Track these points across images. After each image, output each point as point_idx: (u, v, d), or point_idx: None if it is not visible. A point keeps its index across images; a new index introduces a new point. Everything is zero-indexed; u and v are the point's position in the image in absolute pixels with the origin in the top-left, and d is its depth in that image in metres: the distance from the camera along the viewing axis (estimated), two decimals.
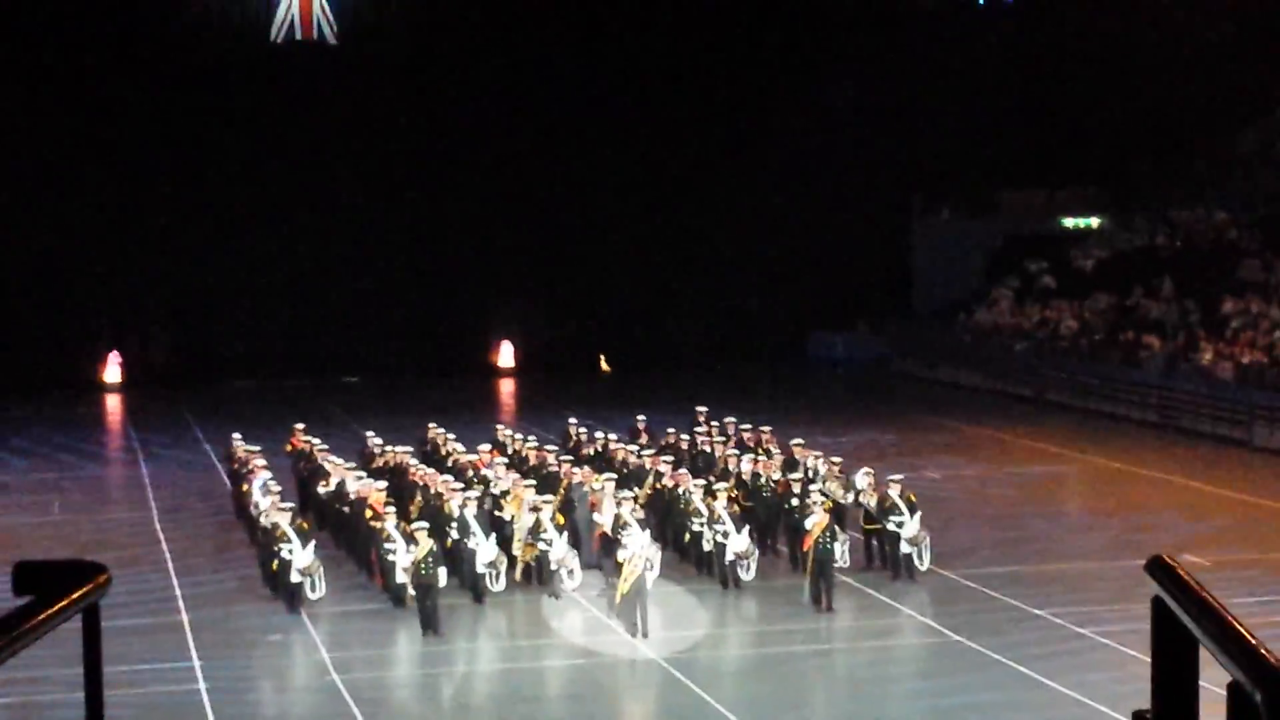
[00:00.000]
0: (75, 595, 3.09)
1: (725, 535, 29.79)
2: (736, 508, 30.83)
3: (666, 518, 32.09)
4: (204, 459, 46.24)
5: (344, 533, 32.67)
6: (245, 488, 34.35)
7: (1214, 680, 2.72)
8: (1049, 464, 43.86)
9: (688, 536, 31.20)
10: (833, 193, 66.68)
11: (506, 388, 64.87)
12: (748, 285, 67.65)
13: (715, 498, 30.73)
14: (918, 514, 30.42)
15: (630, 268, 67.26)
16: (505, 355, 67.42)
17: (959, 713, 23.68)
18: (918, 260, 71.26)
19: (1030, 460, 44.22)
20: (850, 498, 32.09)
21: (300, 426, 38.93)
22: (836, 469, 33.07)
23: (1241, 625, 2.55)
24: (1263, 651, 2.42)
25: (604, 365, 67.86)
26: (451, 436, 37.75)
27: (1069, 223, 70.56)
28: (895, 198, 69.19)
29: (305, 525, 30.08)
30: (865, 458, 37.37)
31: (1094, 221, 70.12)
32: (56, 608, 3.03)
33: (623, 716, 23.81)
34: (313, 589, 28.58)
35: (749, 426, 37.96)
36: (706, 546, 30.49)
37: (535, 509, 29.95)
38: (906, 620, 27.89)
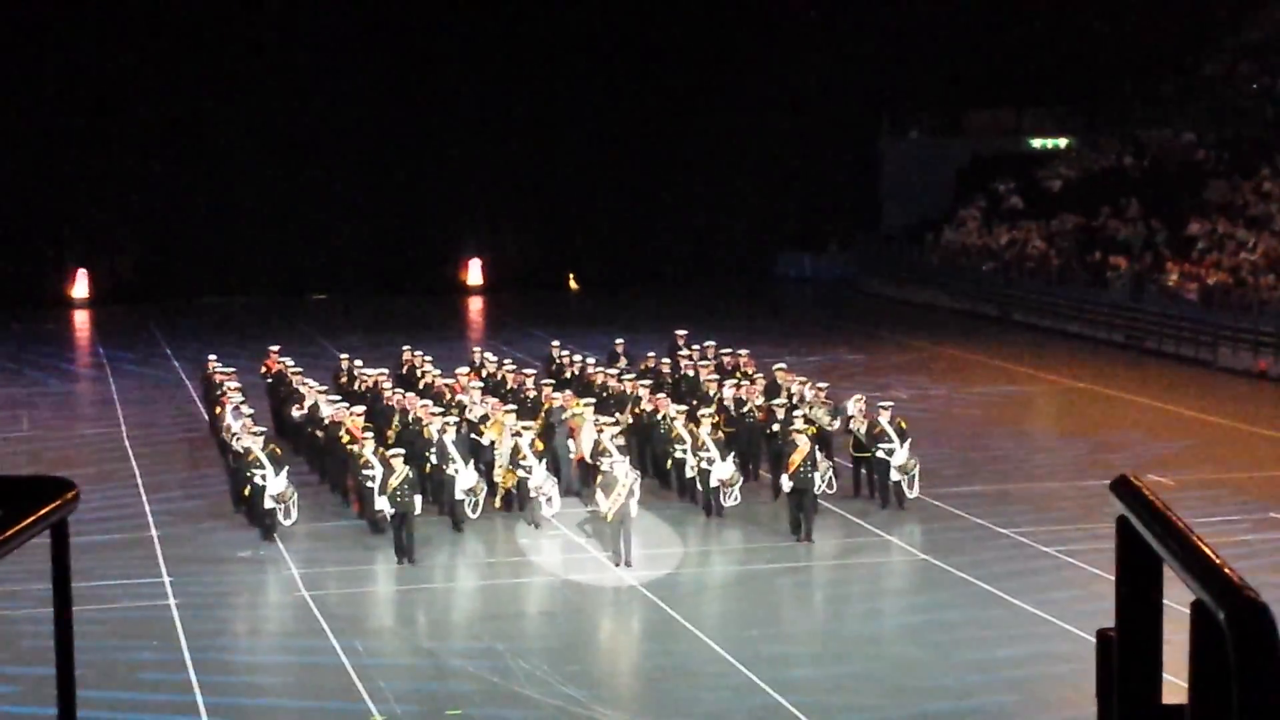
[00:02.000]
0: (43, 511, 3.07)
1: (710, 462, 29.13)
2: (721, 434, 29.98)
3: (647, 444, 31.47)
4: (173, 375, 46.15)
5: (319, 457, 32.02)
6: (218, 410, 33.64)
7: (1177, 599, 2.80)
8: (1015, 384, 44.01)
9: (669, 463, 30.59)
10: (801, 113, 66.55)
11: (475, 305, 64.78)
12: (716, 205, 67.54)
13: (698, 424, 29.96)
14: (908, 441, 29.74)
15: (600, 187, 67.13)
16: (474, 273, 67.29)
17: (924, 630, 23.85)
18: (885, 181, 71.20)
19: (996, 380, 44.37)
20: (837, 424, 31.40)
21: (275, 348, 38.43)
22: (823, 394, 32.36)
23: (1205, 545, 2.60)
24: (1226, 570, 2.46)
25: (573, 284, 67.80)
26: (428, 359, 37.19)
27: (1036, 143, 70.56)
28: (863, 118, 69.04)
29: (279, 451, 29.25)
30: (832, 378, 37.42)
31: (1061, 142, 70.11)
32: (23, 524, 3.00)
33: (602, 642, 23.79)
34: (286, 515, 28.00)
35: (728, 350, 37.42)
36: (689, 473, 29.84)
37: (515, 434, 29.31)
38: (876, 540, 27.99)
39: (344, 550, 27.53)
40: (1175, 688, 2.81)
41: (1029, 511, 29.54)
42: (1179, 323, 48.90)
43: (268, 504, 27.88)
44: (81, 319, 61.33)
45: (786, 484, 27.79)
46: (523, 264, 66.29)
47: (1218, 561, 2.54)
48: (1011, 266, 59.26)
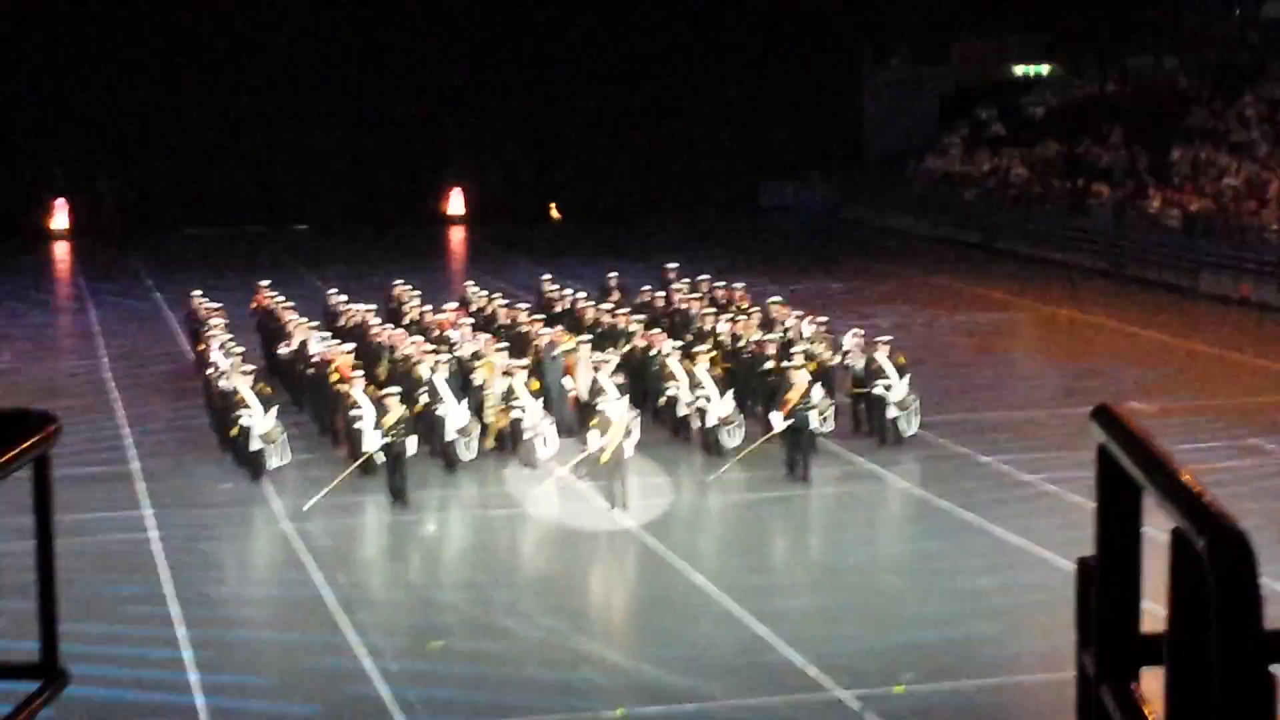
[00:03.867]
0: (25, 445, 3.05)
1: (708, 400, 28.42)
2: (719, 371, 29.39)
3: (640, 381, 30.40)
4: (155, 308, 46.07)
5: (307, 396, 31.24)
6: (202, 347, 32.92)
7: (1157, 528, 2.76)
8: (997, 311, 44.08)
9: (663, 400, 29.69)
10: (784, 42, 66.40)
11: (456, 236, 64.71)
12: (699, 135, 67.41)
13: (694, 360, 29.25)
14: (907, 377, 29.20)
15: (581, 117, 66.96)
16: (455, 203, 67.17)
17: (905, 560, 23.93)
18: (868, 109, 71.11)
19: (978, 307, 44.41)
20: (837, 360, 30.65)
21: (264, 283, 37.71)
22: (823, 329, 31.71)
23: (1186, 473, 2.58)
24: (1206, 499, 2.46)
25: (554, 213, 67.71)
26: (417, 294, 36.38)
27: (1019, 70, 70.48)
28: (846, 46, 68.88)
29: (268, 390, 28.48)
30: (816, 306, 37.31)
31: (1044, 69, 70.03)
32: (6, 458, 3.00)
33: (587, 577, 23.68)
34: (275, 456, 27.38)
35: (722, 284, 36.84)
36: (682, 411, 29.15)
37: (508, 373, 28.53)
38: (860, 470, 27.95)
39: (334, 499, 26.62)
40: (1154, 616, 2.78)
41: (1010, 439, 29.58)
42: (1161, 249, 48.95)
43: (255, 445, 27.22)
44: (62, 250, 61.17)
45: (780, 422, 26.95)
46: (504, 194, 66.13)
47: (1197, 489, 2.52)
48: (994, 194, 59.26)
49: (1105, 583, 2.90)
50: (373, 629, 20.69)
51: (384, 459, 26.35)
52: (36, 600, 3.25)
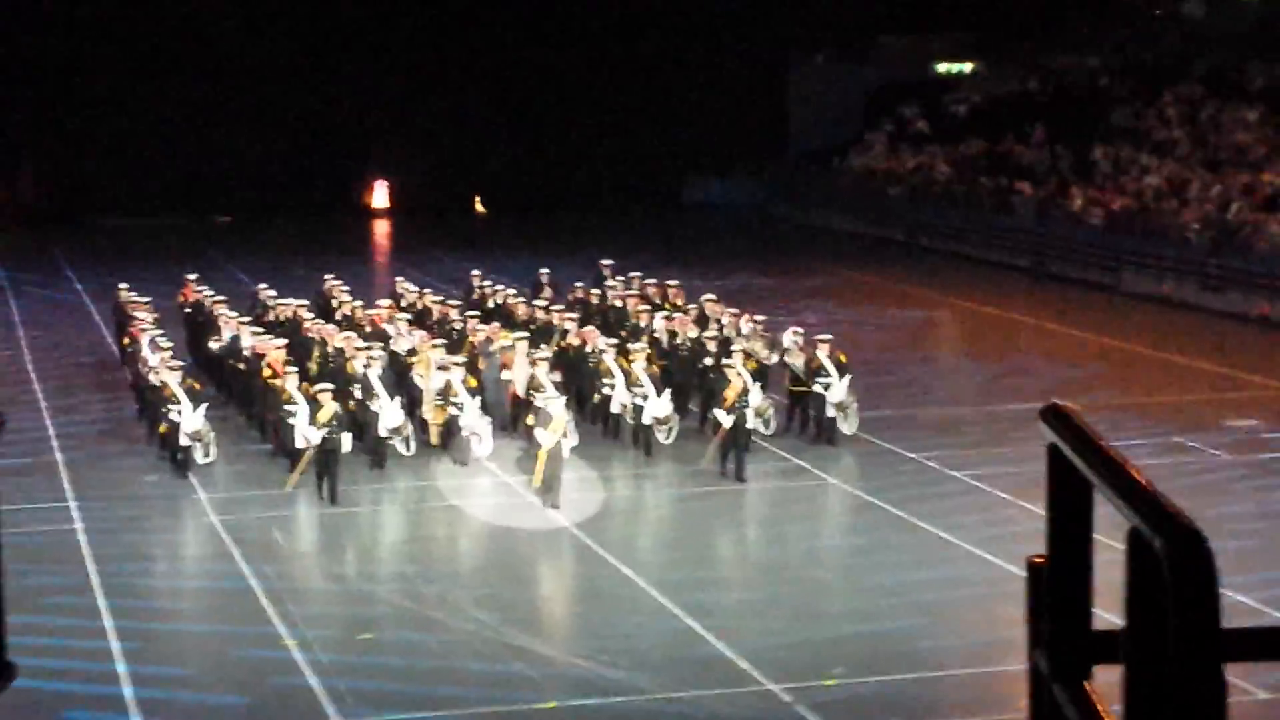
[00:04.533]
0: None
1: (644, 398, 28.14)
2: (655, 369, 29.03)
3: (574, 378, 29.88)
4: (75, 298, 45.73)
5: (238, 391, 30.88)
6: (126, 341, 32.73)
7: (1100, 528, 2.84)
8: (922, 309, 44.25)
9: (596, 398, 29.43)
10: (709, 37, 66.41)
11: (381, 229, 64.47)
12: (624, 128, 67.35)
13: (630, 358, 28.99)
14: (847, 377, 28.96)
15: (506, 109, 66.81)
16: (379, 195, 66.93)
17: (834, 555, 24.06)
18: (793, 105, 71.17)
19: (904, 305, 44.59)
20: (775, 358, 30.47)
21: (193, 276, 37.19)
22: (760, 327, 31.54)
23: (1139, 472, 2.63)
24: (1162, 499, 2.49)
25: (479, 207, 67.57)
26: (346, 289, 36.02)
27: (943, 68, 70.72)
28: (771, 42, 68.93)
29: (197, 386, 28.27)
30: (742, 302, 37.33)
31: (968, 67, 70.30)
32: None
33: (518, 570, 23.51)
34: (202, 454, 27.17)
35: (654, 281, 36.70)
36: (616, 409, 28.92)
37: (444, 369, 28.22)
38: (788, 466, 28.01)
39: (261, 485, 26.90)
40: (1099, 617, 2.85)
41: (936, 436, 29.73)
42: (1083, 248, 49.27)
43: (183, 441, 26.97)
44: None
45: (726, 419, 26.83)
46: (428, 187, 65.89)
47: (1153, 489, 2.57)
48: (918, 191, 59.49)
49: (1056, 581, 2.92)
50: (302, 621, 20.65)
51: (317, 455, 26.04)
52: None
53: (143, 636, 20.46)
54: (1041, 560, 3.02)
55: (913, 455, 28.38)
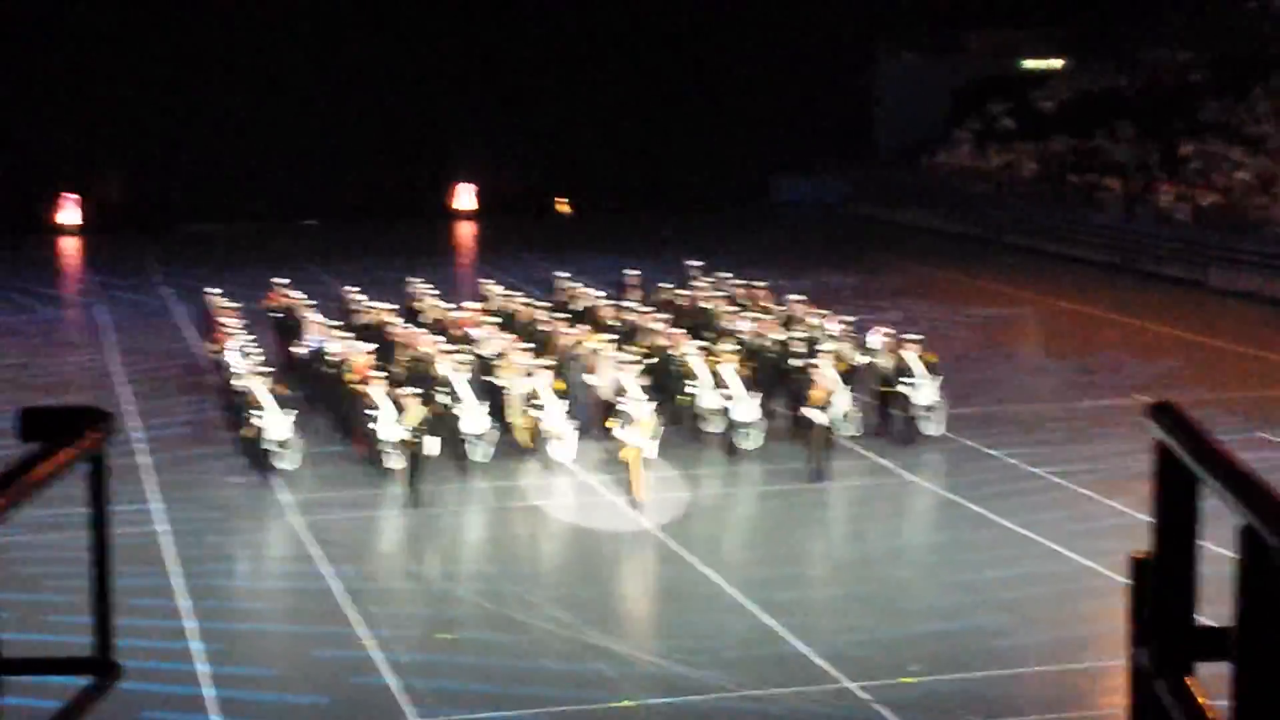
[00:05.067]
0: (86, 441, 3.04)
1: (731, 400, 27.96)
2: (745, 371, 28.57)
3: (662, 380, 29.33)
4: (162, 303, 46.06)
5: (324, 396, 30.57)
6: (217, 346, 32.53)
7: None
8: (1006, 306, 43.96)
9: (683, 400, 29.05)
10: (797, 35, 66.27)
11: (466, 230, 64.66)
12: (710, 129, 67.30)
13: (718, 360, 28.70)
14: (938, 379, 28.73)
15: (592, 111, 66.86)
16: (464, 198, 67.12)
17: (914, 552, 23.93)
18: (880, 103, 70.93)
19: (988, 302, 44.32)
20: (863, 359, 30.12)
21: (282, 281, 37.04)
22: (849, 328, 31.29)
23: (1252, 470, 2.59)
24: (1277, 496, 2.46)
25: (565, 207, 67.68)
26: (434, 291, 35.83)
27: (1030, 64, 70.30)
28: (858, 39, 68.75)
29: (284, 390, 28.04)
30: (826, 301, 37.16)
31: (1056, 63, 69.87)
32: (68, 454, 2.97)
33: (597, 570, 23.41)
34: (287, 461, 27.11)
35: (742, 282, 36.39)
36: (703, 412, 28.64)
37: (530, 374, 28.05)
38: (868, 464, 27.84)
39: (345, 489, 26.83)
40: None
41: (1018, 433, 29.53)
42: (1171, 243, 48.87)
43: (268, 447, 26.93)
44: (70, 245, 61.15)
45: (820, 416, 26.52)
46: (513, 189, 66.04)
47: (1268, 487, 2.52)
48: (1004, 188, 59.15)
49: (1162, 578, 2.89)
50: (382, 621, 20.70)
51: (403, 459, 26.00)
52: (92, 595, 3.30)
53: (225, 637, 20.55)
54: (1146, 556, 2.99)
55: (994, 452, 28.20)
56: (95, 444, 3.09)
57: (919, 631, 20.14)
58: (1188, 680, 2.78)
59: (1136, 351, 37.04)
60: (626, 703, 18.11)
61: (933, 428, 28.77)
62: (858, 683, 18.37)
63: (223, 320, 33.29)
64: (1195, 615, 2.88)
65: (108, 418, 3.16)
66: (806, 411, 26.99)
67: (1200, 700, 2.69)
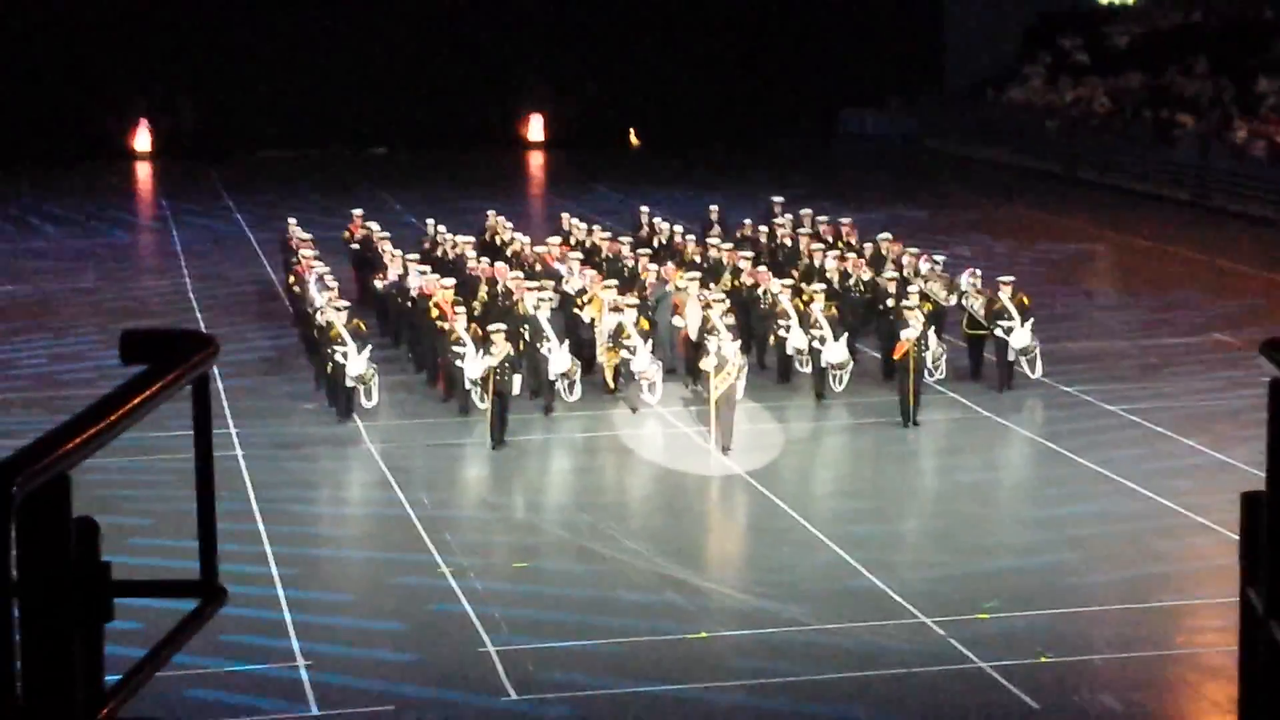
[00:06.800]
0: (191, 364, 3.07)
1: (822, 341, 27.00)
2: (834, 311, 27.52)
3: (748, 319, 28.68)
4: (235, 229, 46.25)
5: (405, 331, 30.17)
6: (292, 280, 32.35)
7: None
8: (1079, 242, 43.69)
9: (771, 340, 28.39)
10: None
11: (536, 161, 64.61)
12: (779, 61, 66.95)
13: (806, 299, 27.84)
14: (1030, 321, 27.76)
15: (661, 43, 66.54)
16: (534, 128, 67.02)
17: (986, 488, 23.94)
18: (950, 36, 70.33)
19: (1060, 238, 44.05)
20: (954, 300, 29.24)
21: (358, 212, 36.30)
22: (939, 268, 30.44)
23: None
24: None
25: (633, 139, 67.52)
26: (510, 225, 34.98)
27: None
28: None
29: (363, 326, 27.21)
30: (896, 235, 36.83)
31: None
32: (173, 376, 3.00)
33: (690, 520, 23.20)
34: (366, 397, 26.66)
35: (826, 218, 35.57)
36: (791, 352, 27.87)
37: (616, 310, 27.25)
38: (942, 399, 27.65)
39: (425, 421, 26.64)
40: None
41: (1092, 370, 29.41)
42: (1247, 180, 48.45)
43: (348, 383, 26.42)
44: (144, 171, 61.46)
45: (906, 359, 25.83)
46: (583, 120, 65.88)
47: None
48: (1077, 124, 58.70)
49: (1276, 516, 2.84)
50: (459, 549, 20.85)
51: (485, 397, 25.57)
52: (196, 518, 3.34)
53: (302, 562, 20.78)
54: (1258, 495, 2.94)
55: (1069, 389, 28.07)
56: (200, 366, 3.10)
57: (995, 568, 20.20)
58: None
59: (1213, 289, 36.78)
60: (703, 635, 18.21)
61: (1031, 370, 28.05)
62: (933, 618, 18.42)
63: (301, 250, 32.78)
64: None
65: (211, 341, 3.16)
66: (895, 353, 26.44)
67: None
